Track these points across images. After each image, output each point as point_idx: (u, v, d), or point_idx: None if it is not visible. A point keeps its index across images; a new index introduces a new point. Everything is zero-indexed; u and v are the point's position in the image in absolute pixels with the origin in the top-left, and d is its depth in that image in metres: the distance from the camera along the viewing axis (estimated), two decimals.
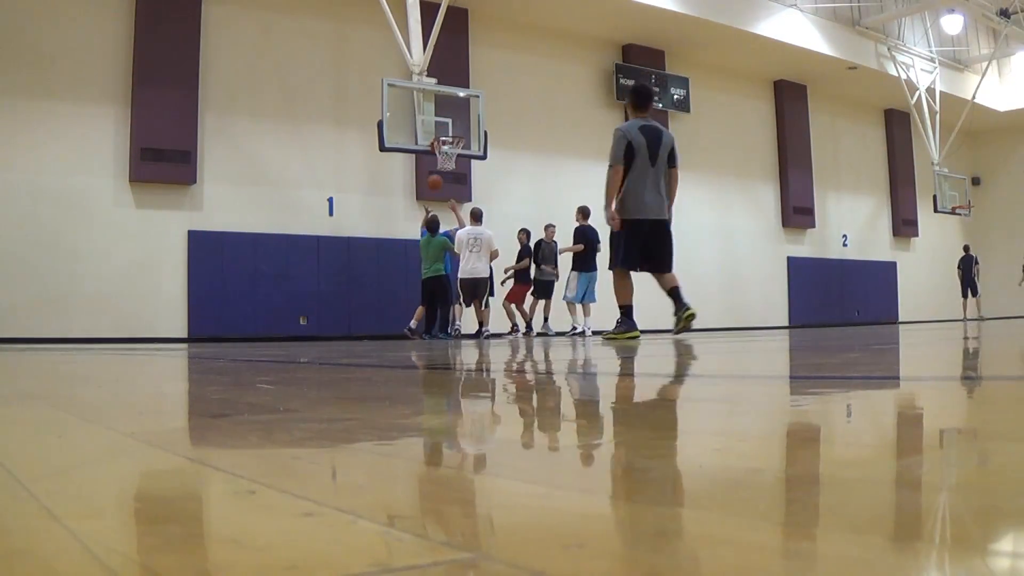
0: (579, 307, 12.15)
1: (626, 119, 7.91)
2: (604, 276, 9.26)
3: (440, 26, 10.74)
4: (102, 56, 10.95)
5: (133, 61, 11.02)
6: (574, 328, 12.14)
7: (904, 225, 20.41)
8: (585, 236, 12.11)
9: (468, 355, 5.47)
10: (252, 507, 0.82)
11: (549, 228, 12.82)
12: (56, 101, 10.61)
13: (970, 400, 1.88)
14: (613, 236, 7.24)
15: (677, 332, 7.35)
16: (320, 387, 2.98)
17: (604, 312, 13.05)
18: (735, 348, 5.52)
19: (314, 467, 1.14)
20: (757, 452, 1.19)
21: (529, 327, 12.38)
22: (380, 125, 10.38)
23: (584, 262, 12.05)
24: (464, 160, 11.76)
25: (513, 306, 12.34)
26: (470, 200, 13.62)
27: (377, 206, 12.52)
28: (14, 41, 10.44)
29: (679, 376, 3.12)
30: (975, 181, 21.80)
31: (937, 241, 21.45)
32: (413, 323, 11.05)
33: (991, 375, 2.65)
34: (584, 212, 12.23)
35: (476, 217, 11.48)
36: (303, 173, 12.09)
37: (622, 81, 15.36)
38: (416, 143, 10.71)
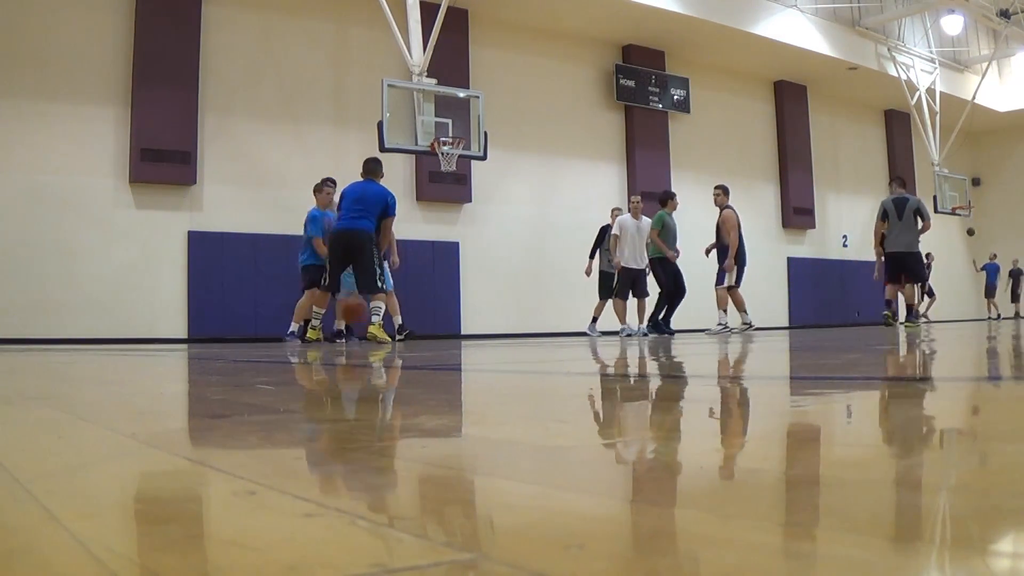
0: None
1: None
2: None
3: (440, 26, 10.73)
4: (102, 56, 10.94)
5: (133, 61, 11.02)
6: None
7: None
8: None
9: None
10: (252, 508, 0.82)
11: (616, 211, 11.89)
12: (56, 101, 10.61)
13: (970, 400, 1.88)
14: None
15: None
16: (320, 387, 2.98)
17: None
18: (737, 349, 5.52)
19: (314, 467, 1.14)
20: (757, 452, 1.19)
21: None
22: (380, 126, 10.37)
23: None
24: (464, 161, 11.75)
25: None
26: (470, 201, 13.63)
27: None
28: (14, 41, 10.43)
29: (677, 377, 3.12)
30: (975, 181, 21.80)
31: (937, 242, 21.47)
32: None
33: (990, 376, 2.65)
34: None
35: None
36: (303, 173, 12.08)
37: (622, 81, 15.36)
38: (416, 144, 10.70)
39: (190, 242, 11.33)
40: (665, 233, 11.18)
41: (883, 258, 11.04)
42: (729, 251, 11.18)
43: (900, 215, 10.73)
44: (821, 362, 3.65)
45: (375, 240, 8.02)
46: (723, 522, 0.72)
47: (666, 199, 11.47)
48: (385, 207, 8.07)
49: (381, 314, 8.33)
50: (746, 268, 11.44)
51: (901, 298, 11.35)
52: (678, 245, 11.34)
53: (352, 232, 7.91)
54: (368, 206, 7.99)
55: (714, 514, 0.76)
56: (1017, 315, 20.94)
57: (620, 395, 2.45)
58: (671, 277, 11.23)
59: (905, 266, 10.80)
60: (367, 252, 7.91)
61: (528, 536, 0.69)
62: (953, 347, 4.90)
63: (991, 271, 21.34)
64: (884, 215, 10.92)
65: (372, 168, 8.37)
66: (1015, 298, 21.32)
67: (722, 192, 11.56)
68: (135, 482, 1.05)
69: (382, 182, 8.52)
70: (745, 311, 11.34)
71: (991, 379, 2.50)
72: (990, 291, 21.30)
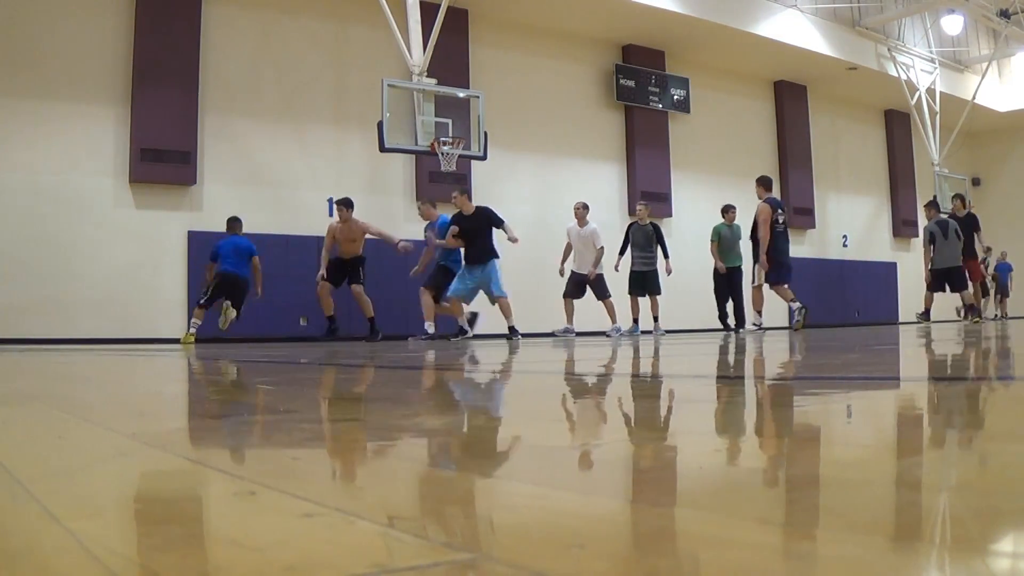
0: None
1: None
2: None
3: (440, 26, 10.71)
4: (102, 56, 10.93)
5: (133, 61, 11.00)
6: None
7: (904, 225, 20.37)
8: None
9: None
10: (252, 508, 0.82)
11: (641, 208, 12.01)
12: (56, 101, 10.59)
13: (970, 400, 1.88)
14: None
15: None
16: (320, 388, 2.98)
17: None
18: (739, 349, 5.52)
19: (314, 468, 1.14)
20: (757, 452, 1.19)
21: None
22: (380, 126, 10.37)
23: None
24: (464, 161, 11.74)
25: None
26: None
27: (377, 207, 12.51)
28: (13, 41, 10.42)
29: (676, 377, 3.12)
30: (975, 181, 21.78)
31: None
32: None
33: (990, 376, 2.65)
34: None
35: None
36: (303, 173, 12.08)
37: (622, 81, 15.34)
38: (416, 144, 10.69)
39: (190, 242, 11.32)
40: (722, 244, 11.84)
41: (930, 271, 12.29)
42: (760, 247, 11.16)
43: (946, 235, 12.06)
44: (822, 362, 3.65)
45: (249, 280, 10.56)
46: (723, 522, 0.72)
47: (724, 211, 12.05)
48: (250, 254, 10.49)
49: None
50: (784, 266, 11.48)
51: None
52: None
53: (235, 275, 10.37)
54: (241, 256, 10.44)
55: (714, 514, 0.76)
56: (996, 316, 20.84)
57: (620, 395, 2.45)
58: (720, 284, 11.89)
59: (951, 278, 12.11)
60: (243, 290, 10.49)
61: (528, 536, 0.69)
62: (964, 347, 4.90)
63: (1003, 271, 21.27)
64: (931, 238, 12.20)
65: (234, 226, 10.63)
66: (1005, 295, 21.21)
67: (759, 184, 11.51)
68: (135, 482, 1.05)
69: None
70: (759, 312, 11.43)
71: (990, 379, 2.50)
72: (1002, 291, 21.21)
